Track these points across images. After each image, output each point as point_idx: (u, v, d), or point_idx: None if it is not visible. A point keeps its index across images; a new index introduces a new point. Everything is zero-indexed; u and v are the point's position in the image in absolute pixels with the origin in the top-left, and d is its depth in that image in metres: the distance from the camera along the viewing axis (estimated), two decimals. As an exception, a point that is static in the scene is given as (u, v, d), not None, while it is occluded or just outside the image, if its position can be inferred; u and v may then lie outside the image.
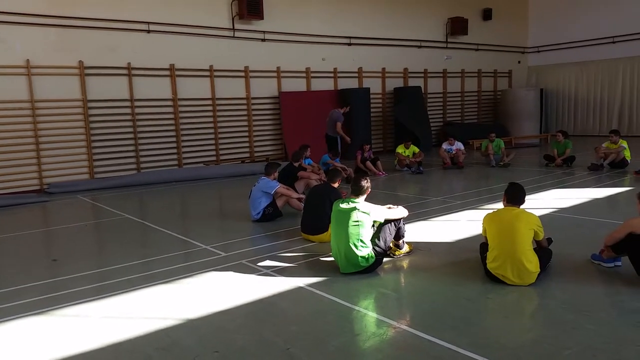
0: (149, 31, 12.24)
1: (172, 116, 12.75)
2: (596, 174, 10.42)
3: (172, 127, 12.78)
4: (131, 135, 12.16)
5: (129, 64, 11.98)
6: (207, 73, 13.20)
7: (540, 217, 4.94)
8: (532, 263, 4.36)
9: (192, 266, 5.29)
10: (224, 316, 4.00)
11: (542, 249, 4.63)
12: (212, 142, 13.44)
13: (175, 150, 12.85)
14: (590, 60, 19.33)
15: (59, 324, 3.97)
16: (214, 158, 13.46)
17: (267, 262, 5.30)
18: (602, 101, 19.28)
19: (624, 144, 10.92)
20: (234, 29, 13.50)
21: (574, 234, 6.02)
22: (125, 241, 6.59)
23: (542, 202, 7.80)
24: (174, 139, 12.81)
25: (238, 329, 3.79)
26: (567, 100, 20.24)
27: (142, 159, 12.33)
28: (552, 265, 4.74)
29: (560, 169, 11.33)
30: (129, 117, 12.11)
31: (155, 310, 4.17)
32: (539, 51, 20.90)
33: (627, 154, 10.85)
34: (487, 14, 19.24)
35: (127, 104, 12.08)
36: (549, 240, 4.88)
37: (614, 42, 18.61)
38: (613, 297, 4.27)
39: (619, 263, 4.74)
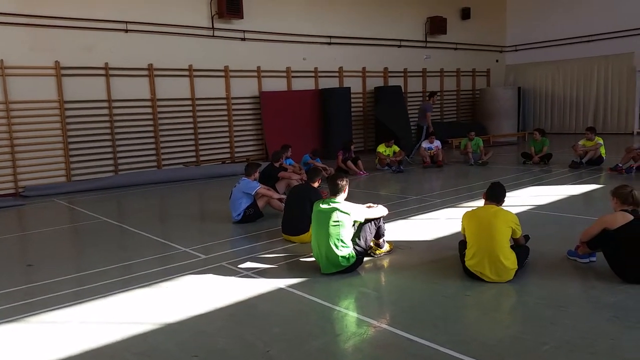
0: (126, 30, 12.08)
1: (150, 117, 12.61)
2: (573, 171, 10.61)
3: (151, 128, 12.64)
4: (109, 137, 11.99)
5: (106, 64, 11.82)
6: (187, 73, 13.08)
7: (518, 214, 5.03)
8: (510, 260, 4.42)
9: (172, 269, 5.23)
10: (204, 319, 3.97)
11: (520, 246, 4.70)
12: (192, 142, 13.33)
13: (154, 152, 12.71)
14: (566, 59, 19.67)
15: (35, 331, 3.90)
16: (193, 159, 13.35)
17: (248, 264, 5.27)
18: (578, 99, 19.63)
19: (600, 140, 11.14)
20: (213, 28, 13.41)
21: (550, 231, 6.12)
22: (103, 245, 6.49)
23: (520, 200, 7.92)
24: (152, 140, 12.67)
25: (218, 332, 3.76)
26: (544, 99, 20.57)
27: (120, 161, 12.16)
28: (530, 262, 4.82)
29: (538, 167, 11.50)
30: (106, 118, 11.94)
31: (134, 314, 4.12)
32: (516, 50, 21.20)
33: (603, 151, 11.08)
34: (465, 13, 19.44)
35: (105, 104, 11.91)
36: (526, 237, 4.95)
37: (588, 42, 18.97)
38: (588, 292, 4.35)
39: (593, 258, 4.84)
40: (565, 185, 9.13)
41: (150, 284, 4.78)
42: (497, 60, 21.29)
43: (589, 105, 19.33)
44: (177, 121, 13.06)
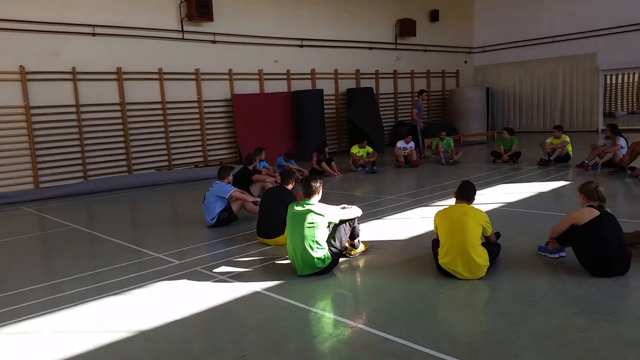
0: (94, 34, 11.86)
1: (120, 121, 12.40)
2: (541, 169, 10.86)
3: (121, 133, 12.43)
4: (77, 142, 11.75)
5: (73, 68, 11.57)
6: (156, 76, 12.91)
7: (489, 211, 5.13)
8: (482, 257, 4.50)
9: (145, 276, 5.14)
10: (178, 326, 3.92)
11: (491, 244, 4.78)
12: (164, 146, 13.16)
13: (124, 157, 12.50)
14: (532, 59, 20.14)
15: (5, 343, 3.78)
16: (165, 163, 13.18)
17: (223, 268, 5.23)
18: (545, 98, 20.13)
19: (567, 138, 11.44)
20: (183, 31, 13.27)
21: (521, 227, 6.25)
22: (73, 253, 6.34)
23: (491, 197, 8.07)
24: (122, 145, 12.46)
25: (193, 338, 3.72)
26: (511, 98, 21.02)
27: (89, 167, 11.93)
28: (501, 258, 4.91)
29: (507, 165, 11.74)
30: (74, 124, 11.69)
31: (107, 322, 4.04)
32: (484, 51, 21.60)
33: (569, 149, 11.37)
34: (434, 16, 19.73)
35: (73, 109, 11.66)
36: (497, 234, 5.05)
37: (553, 42, 19.47)
38: (558, 287, 4.45)
39: (563, 254, 4.96)
40: (534, 183, 9.34)
41: (123, 291, 4.70)
42: (465, 62, 21.65)
43: (556, 104, 19.84)
44: (148, 125, 12.88)
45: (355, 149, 12.35)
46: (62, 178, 11.50)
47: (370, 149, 12.30)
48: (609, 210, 4.64)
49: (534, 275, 4.61)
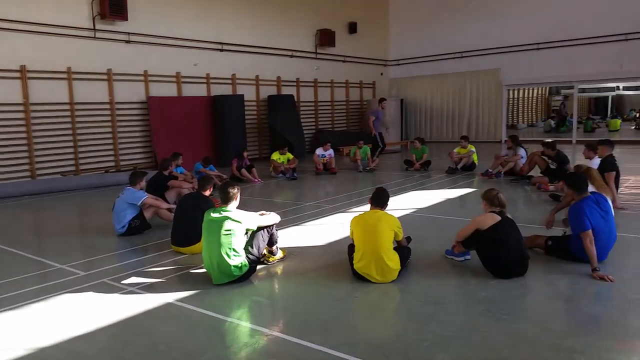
0: (-8, 28, 10.97)
1: (23, 122, 11.52)
2: (449, 177, 11.47)
3: (24, 135, 11.55)
4: (-28, 144, 10.77)
5: (-33, 63, 10.63)
6: (65, 75, 12.16)
7: (401, 217, 5.33)
8: (393, 261, 4.67)
9: (46, 288, 4.79)
10: (82, 341, 3.69)
11: (402, 248, 4.98)
12: (71, 150, 12.38)
13: (27, 160, 11.62)
14: (442, 73, 21.27)
15: None
16: (73, 168, 12.40)
17: (133, 279, 5.00)
18: (454, 110, 21.33)
19: (473, 148, 12.16)
20: (94, 29, 12.62)
21: (430, 232, 6.55)
22: (-37, 265, 5.78)
23: (403, 203, 8.39)
24: (25, 148, 11.58)
25: (98, 354, 3.51)
26: (423, 110, 22.06)
27: (-15, 171, 10.97)
28: (411, 261, 5.11)
29: (419, 173, 12.28)
30: (-32, 124, 10.72)
31: (3, 340, 3.72)
32: (399, 64, 22.50)
33: (475, 158, 12.09)
34: (352, 28, 20.27)
35: (-34, 108, 10.69)
36: (408, 239, 5.26)
37: (462, 57, 20.69)
38: (464, 288, 4.71)
39: (468, 256, 5.25)
40: (442, 190, 9.83)
41: (21, 305, 4.35)
42: (381, 74, 22.43)
43: (463, 116, 21.10)
44: (54, 127, 12.07)
45: (275, 156, 12.35)
46: (-48, 183, 10.49)
47: (290, 156, 12.35)
48: (509, 215, 4.98)
49: (442, 277, 4.85)
